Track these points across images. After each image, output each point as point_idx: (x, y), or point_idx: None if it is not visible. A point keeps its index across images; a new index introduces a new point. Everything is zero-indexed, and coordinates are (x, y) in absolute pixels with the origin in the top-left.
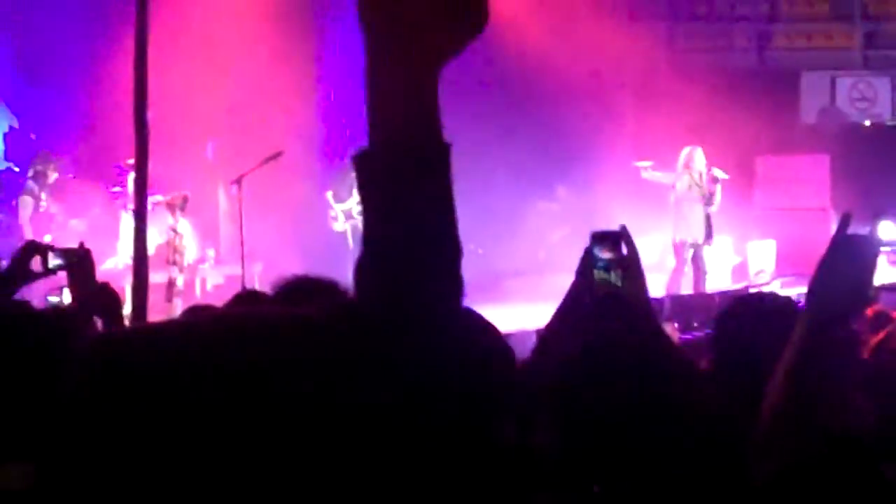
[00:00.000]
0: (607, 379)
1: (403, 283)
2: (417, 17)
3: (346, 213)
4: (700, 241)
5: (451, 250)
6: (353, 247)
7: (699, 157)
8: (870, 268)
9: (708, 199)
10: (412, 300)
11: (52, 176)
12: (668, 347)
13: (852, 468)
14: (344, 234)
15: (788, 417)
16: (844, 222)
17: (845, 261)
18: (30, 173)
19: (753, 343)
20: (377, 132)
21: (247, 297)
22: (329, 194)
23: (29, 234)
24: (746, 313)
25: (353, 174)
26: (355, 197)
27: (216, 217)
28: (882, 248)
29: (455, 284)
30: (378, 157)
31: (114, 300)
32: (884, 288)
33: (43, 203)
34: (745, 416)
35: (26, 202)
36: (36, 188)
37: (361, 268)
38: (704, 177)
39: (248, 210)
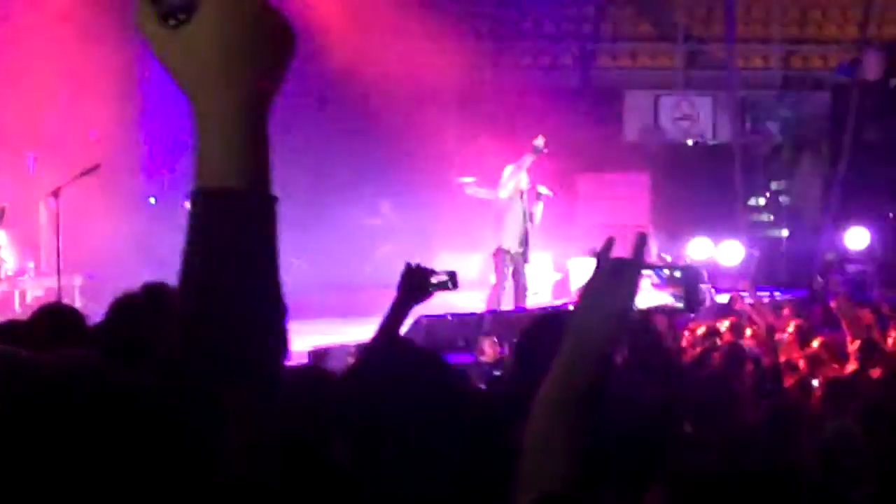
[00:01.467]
0: (381, 391)
1: (218, 337)
2: (222, 74)
3: None
4: (519, 254)
5: (271, 307)
6: None
7: (523, 174)
8: (631, 292)
9: (529, 216)
10: (227, 355)
11: None
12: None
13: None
14: None
15: (547, 442)
16: (607, 247)
17: (607, 285)
18: None
19: (549, 361)
20: (199, 178)
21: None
22: None
23: None
24: (544, 331)
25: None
26: None
27: (37, 229)
28: (644, 272)
29: (275, 340)
30: (199, 202)
31: None
32: (651, 311)
33: None
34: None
35: None
36: None
37: (181, 308)
38: (527, 193)
39: (72, 221)
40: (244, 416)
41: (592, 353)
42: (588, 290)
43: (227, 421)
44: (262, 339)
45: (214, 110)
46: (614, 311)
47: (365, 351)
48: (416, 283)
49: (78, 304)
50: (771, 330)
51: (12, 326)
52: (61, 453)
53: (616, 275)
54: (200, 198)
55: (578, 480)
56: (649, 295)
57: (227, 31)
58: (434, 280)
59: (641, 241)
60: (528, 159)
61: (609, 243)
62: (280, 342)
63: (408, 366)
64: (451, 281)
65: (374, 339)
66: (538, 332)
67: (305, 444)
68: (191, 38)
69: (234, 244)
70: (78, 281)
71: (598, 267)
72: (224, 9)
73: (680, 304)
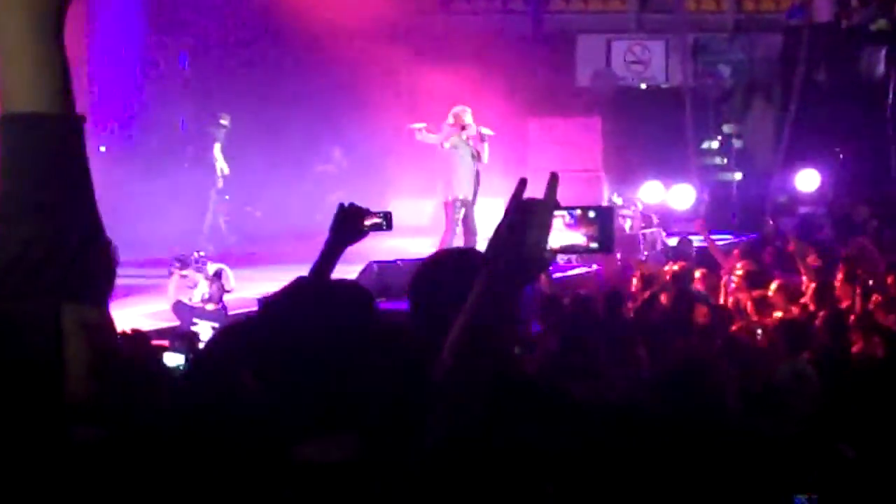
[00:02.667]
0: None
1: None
2: None
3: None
4: (470, 197)
5: (94, 225)
6: None
7: (467, 116)
8: (544, 232)
9: (476, 156)
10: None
11: None
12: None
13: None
14: None
15: (461, 372)
16: (520, 187)
17: (521, 225)
18: None
19: (445, 301)
20: (4, 104)
21: None
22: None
23: None
24: (438, 270)
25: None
26: None
27: None
28: (557, 212)
29: (103, 257)
30: (7, 128)
31: None
32: (561, 250)
33: None
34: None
35: None
36: None
37: None
38: (473, 137)
39: None
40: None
41: (503, 292)
42: (500, 229)
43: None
44: (91, 255)
45: (6, 32)
46: (526, 251)
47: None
48: (350, 224)
49: None
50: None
51: None
52: None
53: (528, 214)
54: (6, 124)
55: (485, 422)
56: (562, 235)
57: None
58: (368, 221)
59: (553, 182)
60: (449, 130)
61: (522, 184)
62: (106, 259)
63: (323, 299)
64: (386, 222)
65: (304, 279)
66: (428, 275)
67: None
68: None
69: (48, 166)
70: None
71: (510, 207)
72: None
73: (594, 245)
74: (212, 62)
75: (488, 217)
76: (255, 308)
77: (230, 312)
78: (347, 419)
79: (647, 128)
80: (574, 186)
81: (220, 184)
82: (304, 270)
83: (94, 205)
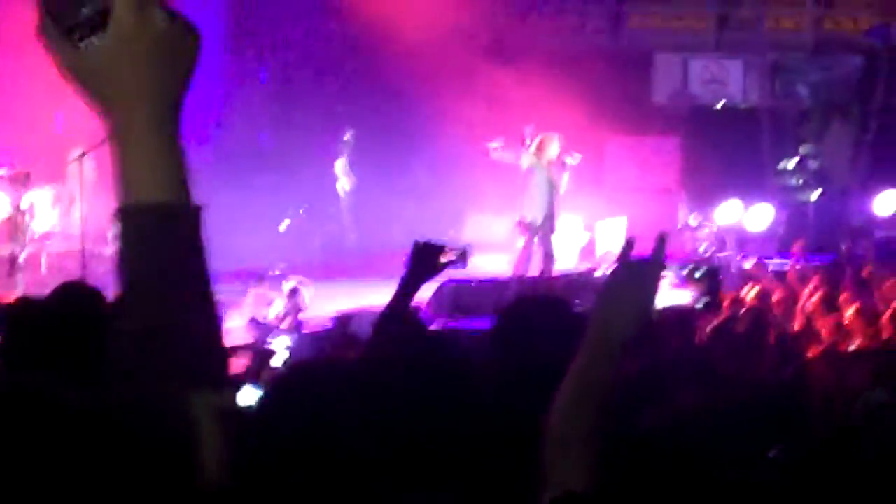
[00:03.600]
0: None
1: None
2: (128, 88)
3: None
4: (539, 221)
5: (211, 312)
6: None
7: (553, 145)
8: (651, 293)
9: (553, 184)
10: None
11: None
12: (441, 349)
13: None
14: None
15: (566, 439)
16: (627, 247)
17: (628, 286)
18: None
19: (532, 344)
20: (125, 195)
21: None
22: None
23: None
24: (526, 313)
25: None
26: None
27: (64, 191)
28: (665, 272)
29: (218, 343)
30: (130, 218)
31: None
32: (666, 310)
33: None
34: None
35: None
36: None
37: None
38: (553, 163)
39: (102, 185)
40: (222, 420)
41: (610, 353)
42: (609, 289)
43: (200, 426)
44: (208, 344)
45: (130, 124)
46: (635, 312)
47: (375, 330)
48: (426, 261)
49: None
50: (795, 296)
51: (27, 305)
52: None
53: (637, 275)
54: (130, 214)
55: (599, 480)
56: (669, 293)
57: (136, 47)
58: (444, 258)
59: (662, 242)
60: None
61: (629, 244)
62: (221, 345)
63: (427, 355)
64: (462, 258)
65: (384, 316)
66: (516, 315)
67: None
68: (98, 54)
69: (170, 256)
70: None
71: (619, 266)
72: (131, 24)
73: (701, 303)
74: (292, 76)
75: (565, 236)
76: (331, 326)
77: (304, 330)
78: (444, 477)
79: (724, 147)
80: (651, 206)
81: (345, 198)
82: (379, 286)
83: (211, 288)
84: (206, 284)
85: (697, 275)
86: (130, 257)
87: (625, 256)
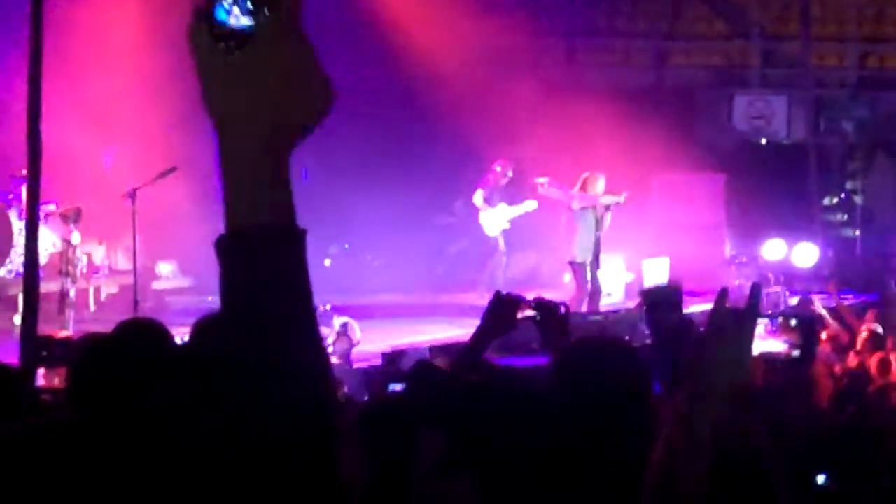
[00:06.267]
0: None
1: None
2: (257, 110)
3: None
4: (589, 260)
5: (306, 343)
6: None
7: (598, 184)
8: (749, 342)
9: (599, 224)
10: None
11: None
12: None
13: None
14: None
15: (671, 488)
16: (722, 298)
17: (728, 338)
18: None
19: (596, 381)
20: (231, 218)
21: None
22: (479, 198)
23: None
24: (589, 353)
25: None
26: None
27: (113, 227)
28: (760, 320)
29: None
30: (232, 242)
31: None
32: (762, 357)
33: None
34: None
35: None
36: None
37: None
38: (600, 203)
39: (150, 219)
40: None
41: (718, 402)
42: (710, 342)
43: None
44: (316, 374)
45: (241, 143)
46: (737, 363)
47: (451, 378)
48: (505, 314)
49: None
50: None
51: (94, 341)
52: None
53: (736, 327)
54: (237, 238)
55: None
56: (763, 342)
57: (275, 70)
58: (521, 314)
59: (756, 290)
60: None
61: (723, 294)
62: (330, 371)
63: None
64: (542, 314)
65: (457, 364)
66: (582, 354)
67: None
68: (238, 66)
69: (276, 281)
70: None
71: (714, 319)
72: (279, 48)
73: (796, 353)
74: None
75: (609, 273)
76: (380, 362)
77: (354, 366)
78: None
79: (769, 184)
80: (696, 243)
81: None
82: (423, 325)
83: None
84: (313, 309)
85: (793, 322)
86: (238, 281)
87: (720, 305)
